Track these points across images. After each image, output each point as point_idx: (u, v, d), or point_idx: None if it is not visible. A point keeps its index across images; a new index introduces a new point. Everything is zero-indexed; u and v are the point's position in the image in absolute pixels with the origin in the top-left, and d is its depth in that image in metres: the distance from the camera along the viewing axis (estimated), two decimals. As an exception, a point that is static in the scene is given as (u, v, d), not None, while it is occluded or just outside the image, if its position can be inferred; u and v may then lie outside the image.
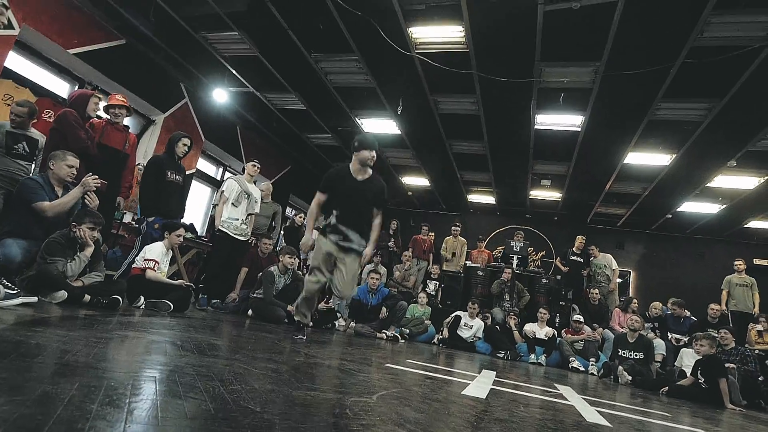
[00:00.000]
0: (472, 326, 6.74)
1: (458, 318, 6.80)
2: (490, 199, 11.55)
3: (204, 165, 8.42)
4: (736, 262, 7.54)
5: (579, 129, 6.98)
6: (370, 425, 1.32)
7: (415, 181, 11.07)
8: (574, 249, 8.40)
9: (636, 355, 5.58)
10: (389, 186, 12.13)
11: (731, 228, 10.20)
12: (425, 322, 7.00)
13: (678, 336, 6.54)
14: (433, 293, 8.27)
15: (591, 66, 5.46)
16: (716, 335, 5.47)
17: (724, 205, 9.01)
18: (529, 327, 6.68)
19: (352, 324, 6.19)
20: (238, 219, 5.50)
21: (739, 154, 6.96)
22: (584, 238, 8.44)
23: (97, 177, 3.52)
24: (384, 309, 6.19)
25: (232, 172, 8.54)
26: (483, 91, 6.30)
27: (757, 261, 10.38)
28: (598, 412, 2.57)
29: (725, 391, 4.51)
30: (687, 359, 5.43)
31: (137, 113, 6.58)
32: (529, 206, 11.48)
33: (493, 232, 11.54)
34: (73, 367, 1.35)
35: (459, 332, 6.69)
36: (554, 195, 10.35)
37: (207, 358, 2.00)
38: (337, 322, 6.26)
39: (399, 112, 7.19)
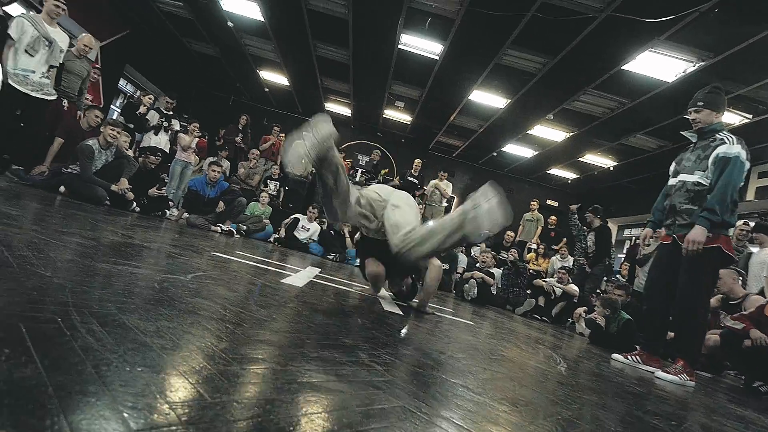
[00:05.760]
0: (309, 229, 7.06)
1: (297, 220, 7.03)
2: (346, 111, 11.61)
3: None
4: (531, 203, 9.38)
5: (437, 57, 7.31)
6: (175, 297, 1.36)
7: (274, 77, 10.43)
8: (412, 171, 9.18)
9: (444, 266, 6.60)
10: (245, 78, 11.13)
11: (537, 172, 12.22)
12: (264, 221, 7.07)
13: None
14: (274, 193, 8.30)
15: (459, -5, 5.65)
16: (506, 255, 6.80)
17: (537, 152, 10.67)
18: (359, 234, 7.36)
19: (186, 214, 5.94)
20: (34, 72, 4.49)
21: (556, 110, 8.18)
22: (421, 162, 9.25)
23: None
24: (222, 203, 6.05)
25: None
26: (355, -6, 6.08)
27: (549, 201, 12.78)
28: (398, 305, 3.06)
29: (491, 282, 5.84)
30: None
31: None
32: (381, 125, 11.91)
33: (344, 144, 11.75)
34: None
35: (296, 233, 6.96)
36: (405, 117, 10.89)
37: (-10, 225, 1.75)
38: (168, 211, 5.93)
39: (263, -5, 6.53)
